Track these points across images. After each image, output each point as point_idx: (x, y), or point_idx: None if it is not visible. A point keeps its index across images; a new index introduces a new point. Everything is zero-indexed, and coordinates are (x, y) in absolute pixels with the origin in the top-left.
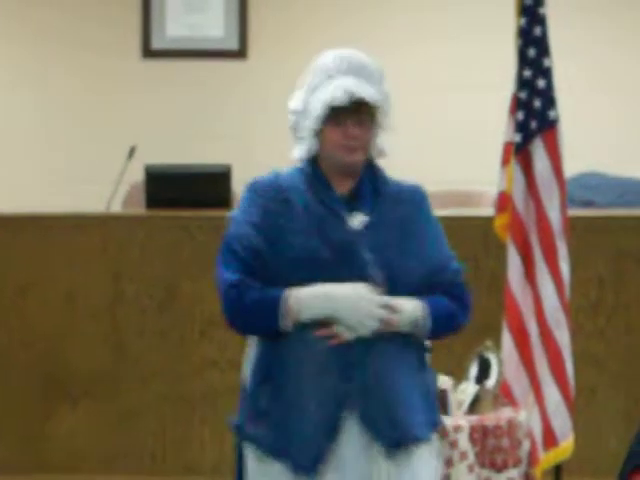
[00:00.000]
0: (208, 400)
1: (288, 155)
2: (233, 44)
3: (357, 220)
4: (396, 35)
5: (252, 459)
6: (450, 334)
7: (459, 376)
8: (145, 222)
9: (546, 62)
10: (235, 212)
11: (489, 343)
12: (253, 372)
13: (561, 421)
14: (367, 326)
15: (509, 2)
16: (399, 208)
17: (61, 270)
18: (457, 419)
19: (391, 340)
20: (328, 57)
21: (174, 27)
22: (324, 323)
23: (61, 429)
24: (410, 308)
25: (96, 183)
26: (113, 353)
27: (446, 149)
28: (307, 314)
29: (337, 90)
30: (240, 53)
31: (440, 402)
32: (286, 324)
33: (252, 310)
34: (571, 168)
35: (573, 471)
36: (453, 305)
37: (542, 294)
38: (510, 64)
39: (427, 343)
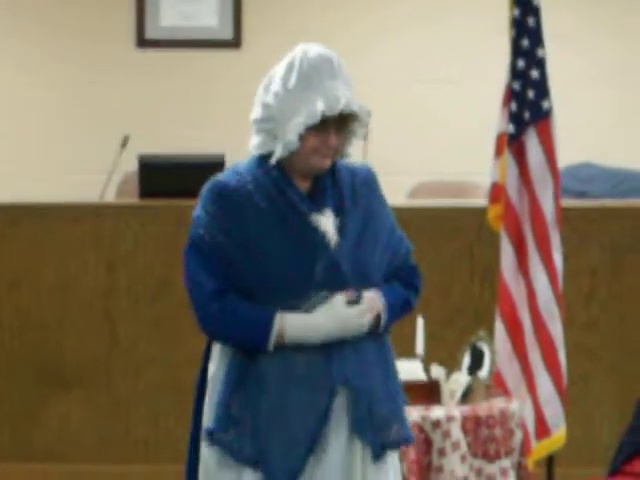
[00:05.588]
0: None
1: None
2: (227, 34)
3: (326, 220)
4: (391, 23)
5: (214, 465)
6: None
7: (452, 366)
8: (139, 212)
9: (540, 53)
10: (199, 213)
11: (482, 333)
12: (226, 379)
13: (553, 411)
14: (359, 333)
15: None
16: (357, 194)
17: (55, 260)
18: (450, 409)
19: (363, 343)
20: (312, 57)
21: (168, 17)
22: None
23: (54, 418)
24: (367, 307)
25: (89, 173)
26: (106, 342)
27: (440, 140)
28: (287, 340)
29: (332, 100)
30: (234, 43)
31: (433, 392)
32: (271, 345)
33: (240, 326)
34: (565, 159)
35: (565, 461)
36: (405, 291)
37: (535, 284)
38: (504, 54)
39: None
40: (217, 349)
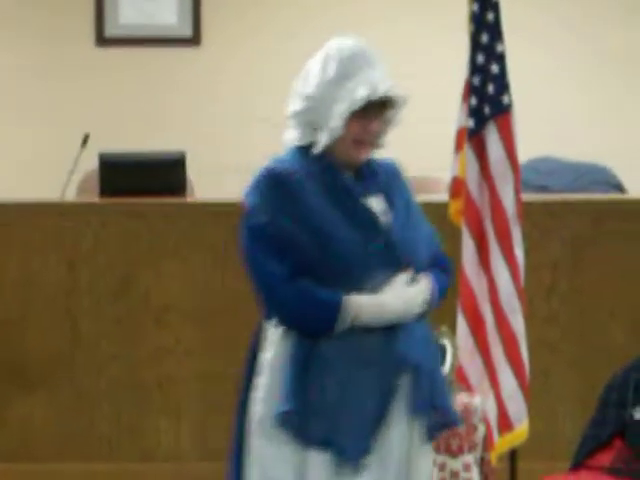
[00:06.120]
0: (163, 387)
1: (242, 141)
2: (187, 31)
3: (377, 204)
4: (351, 19)
5: (274, 452)
6: None
7: None
8: (100, 210)
9: (499, 47)
10: (256, 202)
11: (444, 328)
12: (292, 361)
13: (516, 406)
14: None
15: None
16: (393, 184)
17: (16, 258)
18: None
19: (413, 325)
20: (348, 48)
21: (127, 14)
22: None
23: (17, 416)
24: (425, 287)
25: (50, 171)
26: (68, 340)
27: (400, 136)
28: (362, 322)
29: (374, 86)
30: (194, 40)
31: None
32: (341, 328)
33: (315, 310)
34: (525, 152)
35: (528, 455)
36: (445, 276)
37: (497, 279)
38: (463, 50)
39: None
40: (276, 335)
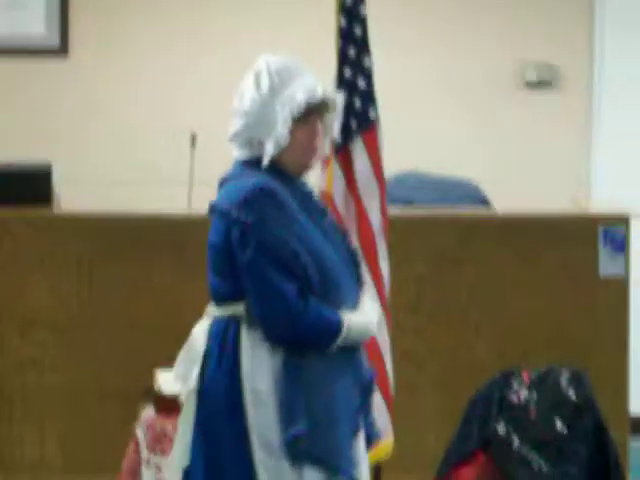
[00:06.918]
0: (27, 399)
1: (112, 152)
2: (54, 42)
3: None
4: (218, 37)
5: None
6: None
7: None
8: None
9: (366, 62)
10: (254, 218)
11: None
12: (287, 384)
13: (380, 420)
14: None
15: (328, 2)
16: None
17: None
18: None
19: None
20: (277, 60)
21: None
22: None
23: None
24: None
25: None
26: None
27: None
28: (350, 341)
29: (311, 90)
30: (62, 51)
31: None
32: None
33: (316, 330)
34: (392, 167)
35: (392, 468)
36: None
37: None
38: (331, 64)
39: None
40: (265, 358)
